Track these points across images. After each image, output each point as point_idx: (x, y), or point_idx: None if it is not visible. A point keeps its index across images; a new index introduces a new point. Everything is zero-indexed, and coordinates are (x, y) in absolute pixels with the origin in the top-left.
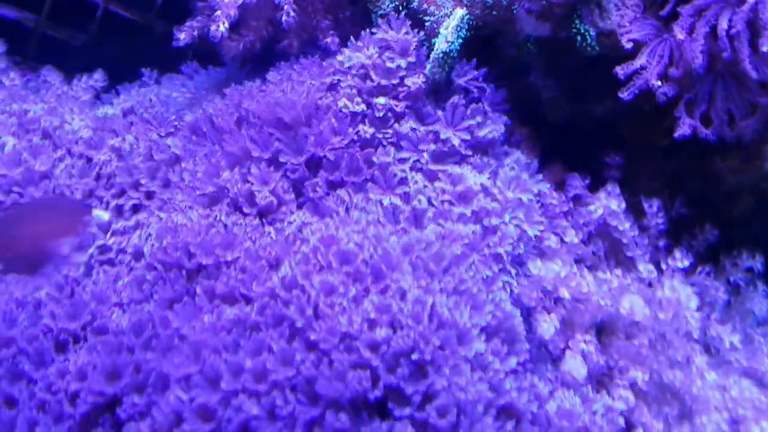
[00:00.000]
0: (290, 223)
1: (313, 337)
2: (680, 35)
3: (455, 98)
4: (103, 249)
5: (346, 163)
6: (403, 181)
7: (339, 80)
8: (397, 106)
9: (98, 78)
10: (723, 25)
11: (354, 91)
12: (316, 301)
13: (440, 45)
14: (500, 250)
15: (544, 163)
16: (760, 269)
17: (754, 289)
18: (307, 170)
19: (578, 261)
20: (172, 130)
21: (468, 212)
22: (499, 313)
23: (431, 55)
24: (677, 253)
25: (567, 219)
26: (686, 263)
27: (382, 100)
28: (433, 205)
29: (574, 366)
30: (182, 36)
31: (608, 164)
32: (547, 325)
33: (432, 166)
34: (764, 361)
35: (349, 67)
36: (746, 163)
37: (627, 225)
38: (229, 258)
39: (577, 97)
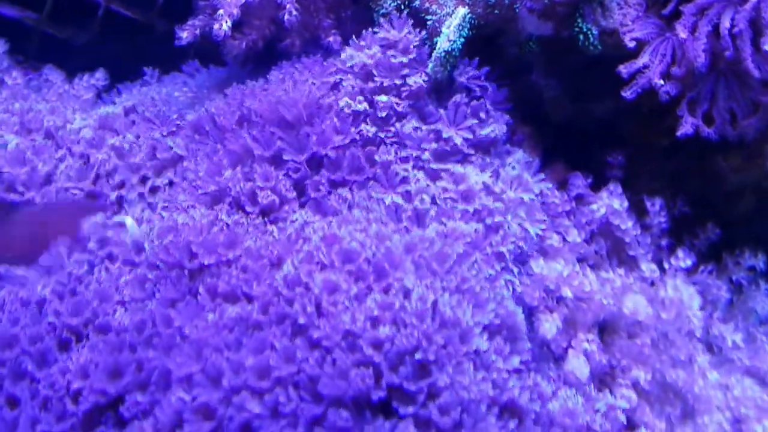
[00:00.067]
0: (292, 221)
1: (316, 335)
2: (683, 34)
3: (457, 97)
4: (106, 248)
5: (348, 161)
6: (405, 180)
7: (341, 79)
8: (399, 105)
9: (100, 77)
10: (725, 23)
11: (356, 90)
12: (319, 300)
13: (442, 44)
14: (502, 249)
15: (546, 162)
16: (763, 268)
17: (756, 287)
18: (309, 169)
19: (581, 260)
20: (174, 128)
21: (470, 211)
22: (502, 311)
23: (433, 54)
24: (680, 253)
25: (569, 218)
26: (689, 262)
27: (384, 98)
28: (435, 204)
29: (577, 365)
30: (184, 35)
31: (610, 163)
32: (549, 325)
33: (434, 165)
34: (767, 360)
35: (351, 66)
36: (748, 162)
37: (629, 224)
38: (231, 257)
39: (578, 97)
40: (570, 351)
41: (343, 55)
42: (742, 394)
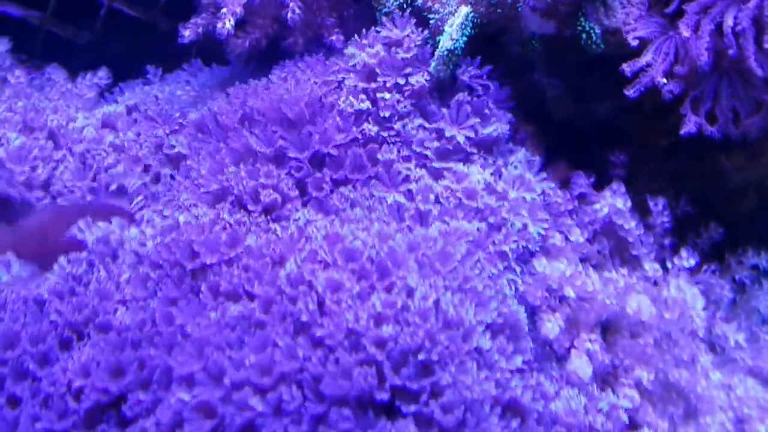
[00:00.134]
0: (295, 220)
1: (319, 333)
2: (685, 33)
3: (459, 96)
4: (108, 247)
5: (350, 160)
6: (408, 179)
7: (343, 78)
8: (401, 103)
9: (102, 75)
10: (729, 22)
11: (358, 88)
12: (322, 298)
13: (445, 43)
14: (505, 248)
15: (548, 161)
16: (766, 267)
17: (759, 287)
18: (311, 168)
19: (583, 260)
20: (177, 127)
21: (473, 210)
22: (504, 310)
23: (436, 53)
24: (683, 252)
25: (572, 217)
26: (692, 262)
27: (386, 97)
28: (437, 203)
29: (580, 365)
30: (187, 33)
31: (612, 162)
32: (552, 324)
33: (436, 164)
34: None
35: (354, 65)
36: (751, 161)
37: (633, 223)
38: (233, 255)
39: (581, 96)
40: (573, 351)
41: (347, 52)
42: (745, 394)
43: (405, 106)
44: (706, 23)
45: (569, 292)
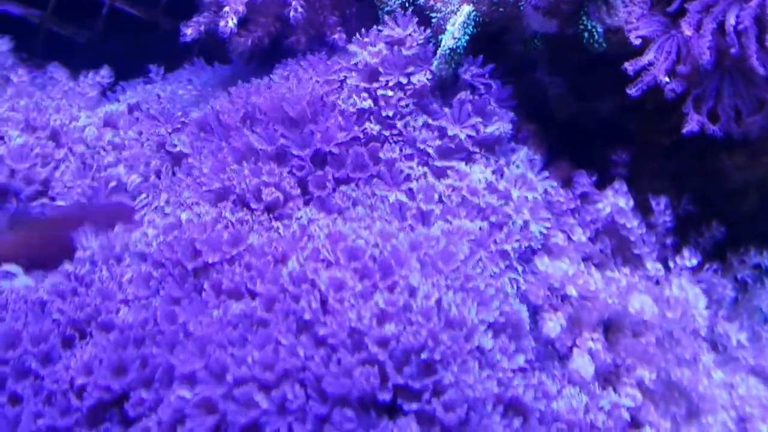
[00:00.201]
0: (297, 219)
1: (322, 332)
2: (687, 31)
3: (462, 95)
4: (111, 248)
5: (352, 159)
6: (410, 178)
7: (345, 77)
8: (403, 102)
9: (105, 74)
10: (731, 20)
11: (360, 87)
12: (325, 297)
13: (447, 42)
14: (507, 247)
15: (550, 160)
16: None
17: (761, 286)
18: (313, 166)
19: (586, 259)
20: (179, 126)
21: (475, 209)
22: (507, 308)
23: (438, 52)
24: (686, 252)
25: (574, 216)
26: (694, 262)
27: (388, 95)
28: (439, 202)
29: (582, 364)
30: (189, 31)
31: (614, 161)
32: (553, 324)
33: (438, 163)
34: None
35: (356, 64)
36: (753, 160)
37: (635, 223)
38: (235, 254)
39: (583, 95)
40: (575, 350)
41: (350, 48)
42: (747, 393)
43: (407, 105)
44: (708, 22)
45: (571, 291)
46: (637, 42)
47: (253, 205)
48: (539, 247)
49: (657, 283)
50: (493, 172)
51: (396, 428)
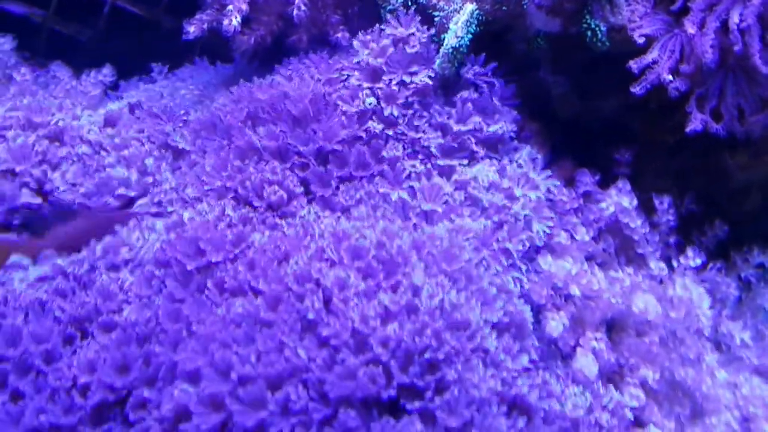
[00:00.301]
0: (301, 217)
1: (325, 332)
2: (691, 30)
3: (465, 93)
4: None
5: (354, 157)
6: (413, 177)
7: (348, 76)
8: (406, 101)
9: (107, 73)
10: (735, 19)
11: (363, 86)
12: (329, 296)
13: (450, 40)
14: (510, 246)
15: (554, 159)
16: None
17: (765, 285)
18: (316, 165)
19: (589, 258)
20: (181, 124)
21: (477, 208)
22: (510, 308)
23: (440, 51)
24: (689, 252)
25: (577, 216)
26: (698, 261)
27: (391, 93)
28: (443, 201)
29: (585, 363)
30: (192, 29)
31: (617, 161)
32: (556, 323)
33: (441, 162)
34: None
35: (358, 63)
36: (755, 160)
37: (638, 222)
38: (238, 252)
39: (586, 94)
40: (578, 349)
41: (355, 44)
42: (751, 393)
43: (410, 104)
44: (711, 20)
45: (575, 291)
46: (641, 41)
47: (256, 203)
48: (542, 246)
49: (660, 282)
50: (496, 171)
51: (399, 427)
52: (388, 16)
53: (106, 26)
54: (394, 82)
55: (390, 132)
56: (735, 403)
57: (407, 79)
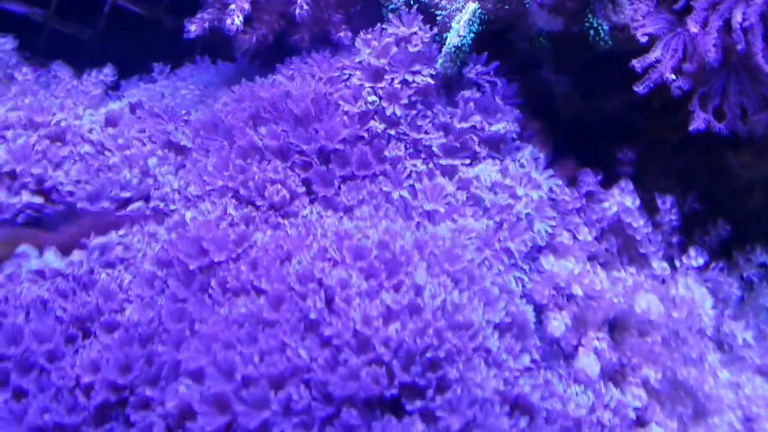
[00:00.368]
0: (303, 217)
1: (327, 332)
2: (694, 29)
3: (467, 93)
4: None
5: (356, 157)
6: (415, 176)
7: (350, 75)
8: (408, 100)
9: (108, 73)
10: (737, 18)
11: (365, 85)
12: (331, 296)
13: (452, 39)
14: (512, 246)
15: (556, 159)
16: None
17: (767, 284)
18: (318, 164)
19: (591, 258)
20: (182, 124)
21: (480, 207)
22: (512, 308)
23: (443, 50)
24: (692, 252)
25: (579, 215)
26: (701, 261)
27: (393, 93)
28: (445, 201)
29: (587, 363)
30: (193, 28)
31: (620, 160)
32: (558, 323)
33: (443, 161)
34: None
35: (360, 62)
36: (758, 158)
37: (641, 222)
38: (241, 252)
39: (588, 92)
40: (580, 349)
41: (357, 43)
42: (753, 393)
43: (412, 103)
44: (714, 19)
45: (577, 291)
46: (644, 39)
47: (258, 203)
48: (545, 245)
49: (663, 282)
50: (499, 171)
51: (401, 427)
52: (390, 15)
53: (107, 26)
54: (396, 82)
55: (392, 131)
56: (737, 403)
57: (409, 78)
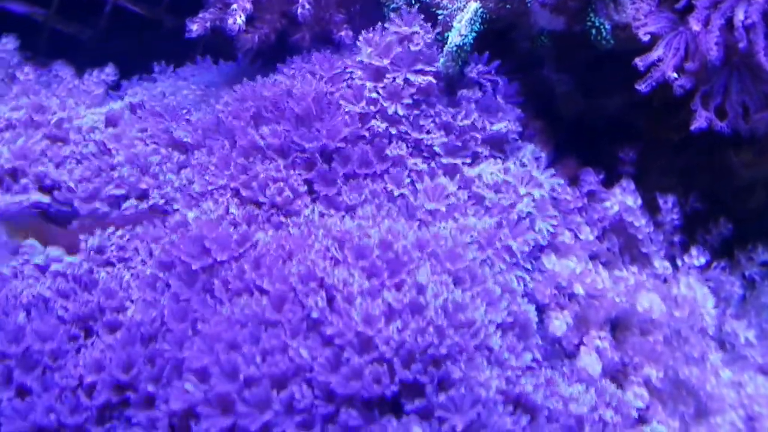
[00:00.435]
0: (305, 216)
1: (329, 331)
2: (696, 27)
3: (468, 92)
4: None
5: (358, 156)
6: (417, 175)
7: (351, 74)
8: (409, 100)
9: (109, 72)
10: (739, 16)
11: (366, 85)
12: (333, 295)
13: (454, 38)
14: (514, 245)
15: (558, 158)
16: None
17: None
18: (320, 163)
19: (593, 257)
20: (184, 123)
21: (481, 207)
22: (514, 308)
23: (444, 49)
24: (693, 251)
25: (581, 215)
26: (702, 261)
27: (394, 92)
28: (447, 200)
29: (589, 362)
30: (195, 27)
31: (621, 159)
32: (560, 322)
33: (445, 160)
34: None
35: (362, 61)
36: (760, 157)
37: (643, 221)
38: (243, 251)
39: (590, 92)
40: (582, 348)
41: (359, 43)
42: (755, 392)
43: (413, 103)
44: (716, 18)
45: (579, 290)
46: (646, 38)
47: (260, 201)
48: (546, 245)
49: (665, 281)
50: (500, 170)
51: (403, 425)
52: (392, 14)
53: (107, 25)
54: (397, 81)
55: (393, 131)
56: (740, 402)
57: (411, 77)
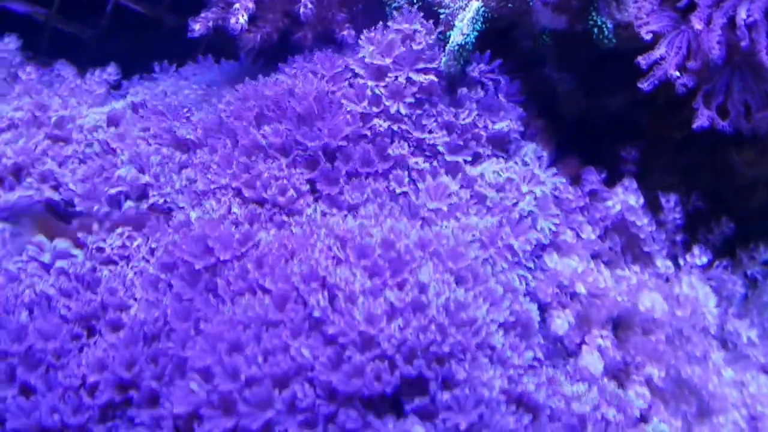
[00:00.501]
0: (307, 215)
1: (331, 330)
2: (698, 25)
3: (470, 91)
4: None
5: (359, 155)
6: (419, 174)
7: (353, 73)
8: (411, 99)
9: (111, 72)
10: (742, 15)
11: (368, 84)
12: (335, 295)
13: (455, 37)
14: (516, 244)
15: (559, 157)
16: None
17: None
18: (322, 163)
19: (595, 256)
20: (185, 122)
21: (483, 206)
22: (517, 307)
23: (446, 48)
24: (696, 250)
25: (583, 214)
26: (704, 260)
27: (397, 90)
28: (449, 199)
29: (591, 361)
30: (197, 26)
31: (623, 158)
32: (561, 321)
33: (447, 159)
34: None
35: (363, 60)
36: (761, 156)
37: (645, 220)
38: (245, 251)
39: (592, 91)
40: (584, 347)
41: (361, 42)
42: (758, 391)
43: (415, 102)
44: (718, 16)
45: (580, 289)
46: (648, 37)
47: (263, 200)
48: (548, 243)
49: (667, 280)
50: (502, 169)
51: (404, 424)
52: (394, 13)
53: (109, 25)
54: (399, 80)
55: (396, 128)
56: (742, 402)
57: (414, 76)
